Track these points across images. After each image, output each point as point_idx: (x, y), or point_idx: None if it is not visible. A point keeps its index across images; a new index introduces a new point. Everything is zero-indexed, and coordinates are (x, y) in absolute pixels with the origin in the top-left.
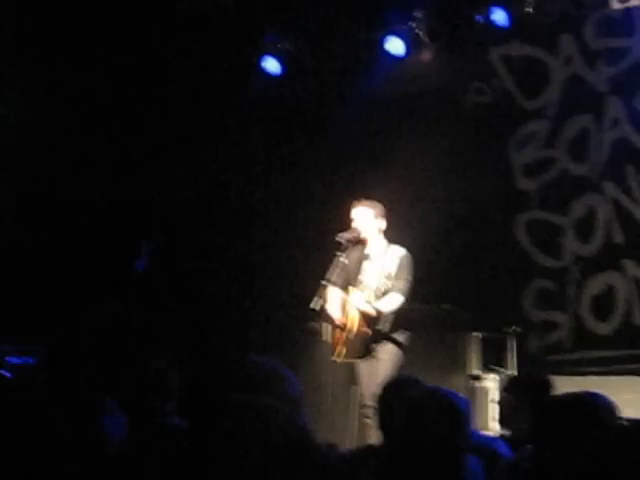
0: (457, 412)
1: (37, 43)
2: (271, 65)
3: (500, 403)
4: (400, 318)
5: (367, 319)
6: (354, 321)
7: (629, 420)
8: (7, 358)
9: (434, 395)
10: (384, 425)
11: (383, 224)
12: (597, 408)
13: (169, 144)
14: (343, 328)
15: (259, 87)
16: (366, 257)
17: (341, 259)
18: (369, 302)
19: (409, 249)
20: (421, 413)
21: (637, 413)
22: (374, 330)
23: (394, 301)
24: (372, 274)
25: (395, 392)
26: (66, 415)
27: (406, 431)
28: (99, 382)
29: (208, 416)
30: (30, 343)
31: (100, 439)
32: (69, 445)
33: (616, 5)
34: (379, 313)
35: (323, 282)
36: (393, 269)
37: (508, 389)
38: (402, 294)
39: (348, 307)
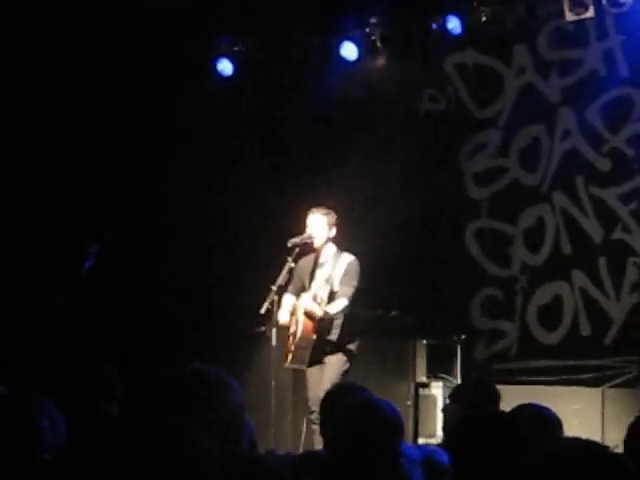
0: (386, 421)
1: None
2: (225, 67)
3: (444, 411)
4: (348, 326)
5: (313, 322)
6: (304, 327)
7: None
8: None
9: (367, 403)
10: (325, 430)
11: (333, 232)
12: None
13: (123, 145)
14: (294, 335)
15: (213, 89)
16: (319, 265)
17: (291, 265)
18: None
19: (358, 255)
20: (355, 421)
21: (583, 424)
22: (324, 339)
23: (339, 304)
24: (322, 281)
25: (335, 399)
26: (6, 417)
27: (342, 438)
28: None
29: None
30: None
31: (35, 441)
32: (6, 447)
33: (570, 17)
34: (325, 315)
35: (272, 287)
36: (340, 275)
37: (453, 397)
38: (347, 299)
39: (299, 313)
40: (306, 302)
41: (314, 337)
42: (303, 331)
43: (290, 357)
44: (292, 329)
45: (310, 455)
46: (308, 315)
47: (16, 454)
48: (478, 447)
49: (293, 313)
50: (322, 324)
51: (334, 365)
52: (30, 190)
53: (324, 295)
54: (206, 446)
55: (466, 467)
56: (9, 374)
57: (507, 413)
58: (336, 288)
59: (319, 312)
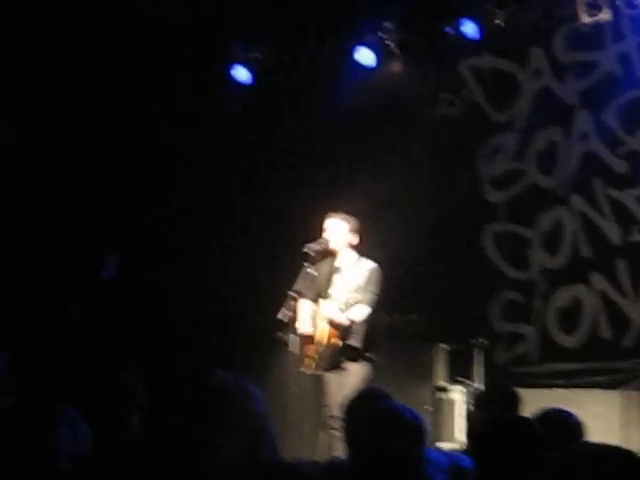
0: (409, 428)
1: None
2: (241, 74)
3: (469, 419)
4: (369, 332)
5: (337, 330)
6: (324, 333)
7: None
8: None
9: (390, 411)
10: (349, 438)
11: (355, 239)
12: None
13: (139, 155)
14: (313, 341)
15: (229, 96)
16: (336, 270)
17: (308, 270)
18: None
19: (377, 260)
20: (378, 429)
21: (603, 426)
22: (345, 345)
23: (362, 312)
24: (341, 287)
25: (360, 405)
26: (22, 424)
27: (368, 444)
28: (59, 391)
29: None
30: None
31: (51, 450)
32: (21, 455)
33: (586, 19)
34: (351, 322)
35: (290, 293)
36: (361, 282)
37: (477, 405)
38: (369, 305)
39: (318, 319)
40: (330, 311)
41: (336, 344)
42: (326, 338)
43: (309, 363)
44: (312, 335)
45: (335, 463)
46: (331, 323)
47: (31, 463)
48: (501, 451)
49: (313, 319)
50: (346, 331)
51: (356, 372)
52: (50, 200)
53: (347, 302)
54: (236, 456)
55: (490, 471)
56: (29, 383)
57: (529, 417)
58: (358, 295)
59: (344, 321)
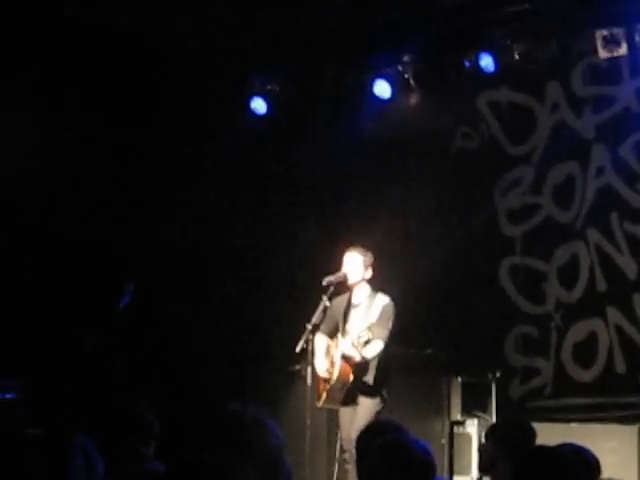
0: (416, 463)
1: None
2: (259, 105)
3: (480, 451)
4: (382, 367)
5: (351, 366)
6: (337, 369)
7: None
8: None
9: (396, 444)
10: (360, 471)
11: (369, 274)
12: (577, 464)
13: (156, 185)
14: (327, 376)
15: (246, 127)
16: (353, 306)
17: (326, 303)
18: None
19: (392, 293)
20: (384, 461)
21: (618, 461)
22: (359, 381)
23: (375, 347)
24: (357, 323)
25: (369, 440)
26: (37, 454)
27: (377, 477)
28: (74, 421)
29: (182, 473)
30: (11, 378)
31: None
32: None
33: (603, 54)
34: (363, 359)
35: (308, 325)
36: (375, 318)
37: (489, 436)
38: (382, 341)
39: (334, 354)
40: (345, 347)
41: (350, 379)
42: (340, 373)
43: (324, 397)
44: (327, 372)
45: None
46: (345, 358)
47: None
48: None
49: (327, 353)
50: (358, 366)
51: (368, 406)
52: (65, 229)
53: (362, 339)
54: None
55: None
56: (45, 413)
57: (559, 450)
58: (371, 332)
59: (358, 357)
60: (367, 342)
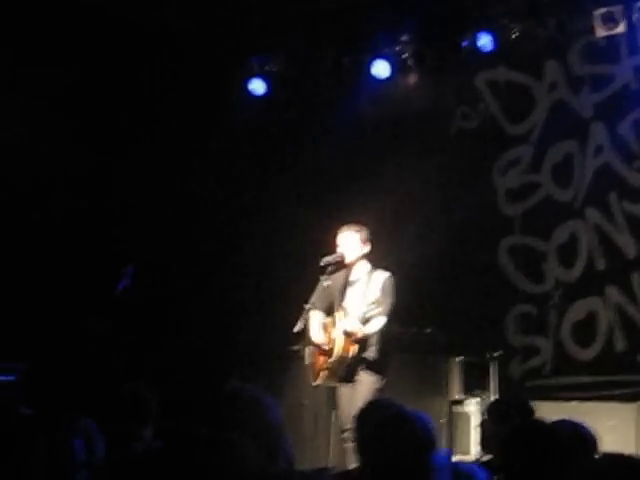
0: (418, 437)
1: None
2: (257, 86)
3: (481, 427)
4: (383, 343)
5: (354, 343)
6: (339, 345)
7: (605, 454)
8: None
9: (396, 418)
10: (359, 448)
11: (367, 249)
12: (569, 439)
13: (155, 167)
14: (325, 352)
15: (245, 108)
16: (350, 283)
17: (324, 283)
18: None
19: (392, 272)
20: (382, 438)
21: (618, 440)
22: (360, 357)
23: (377, 322)
24: (356, 301)
25: (369, 415)
26: (38, 435)
27: (375, 453)
28: (75, 403)
29: (179, 449)
30: (11, 361)
31: (65, 461)
32: (36, 466)
33: (601, 32)
34: (365, 336)
35: (306, 306)
36: (376, 294)
37: (489, 413)
38: (385, 315)
39: (332, 331)
40: (348, 323)
41: (350, 355)
42: (341, 350)
43: (323, 375)
44: (325, 345)
45: (345, 475)
46: (347, 334)
47: (46, 474)
48: (528, 457)
49: (323, 328)
50: (359, 342)
51: (367, 383)
52: (64, 213)
53: (371, 313)
54: (258, 463)
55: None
56: (46, 395)
57: (551, 424)
58: (368, 309)
59: (360, 333)
60: (368, 319)
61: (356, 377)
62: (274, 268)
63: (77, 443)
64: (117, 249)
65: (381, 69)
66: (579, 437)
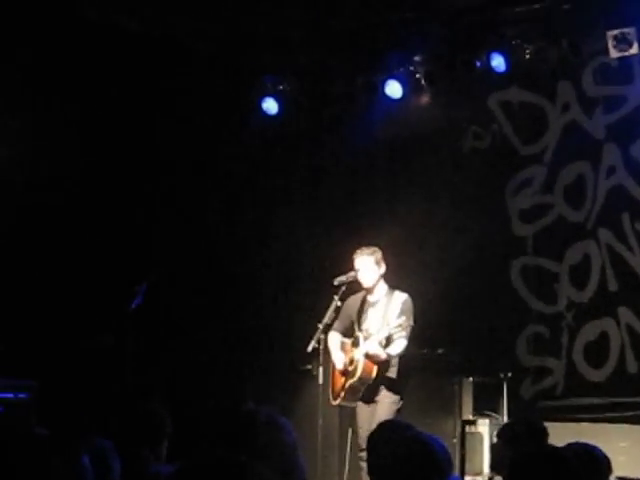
0: (437, 459)
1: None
2: (270, 106)
3: (492, 450)
4: (403, 363)
5: (376, 365)
6: (360, 366)
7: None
8: None
9: (414, 442)
10: (372, 470)
11: (383, 269)
12: (579, 465)
13: (168, 184)
14: (346, 373)
15: (259, 127)
16: (369, 304)
17: (338, 303)
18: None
19: (405, 292)
20: (401, 460)
21: (630, 461)
22: (382, 376)
23: (399, 345)
24: (376, 322)
25: (382, 438)
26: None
27: (392, 475)
28: (88, 422)
29: (194, 472)
30: (23, 378)
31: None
32: None
33: (614, 54)
34: (388, 357)
35: (320, 325)
36: (396, 317)
37: (501, 437)
38: (406, 339)
39: (354, 353)
40: (371, 346)
41: (373, 377)
42: (363, 371)
43: (343, 395)
44: (345, 367)
45: None
46: (369, 357)
47: None
48: None
49: (342, 349)
50: (382, 363)
51: (387, 404)
52: (78, 230)
53: (383, 336)
54: None
55: None
56: (59, 414)
57: (562, 449)
58: (394, 331)
59: (383, 356)
60: (388, 339)
61: (376, 397)
62: (288, 287)
63: (84, 461)
64: (131, 265)
65: (394, 89)
66: (592, 460)
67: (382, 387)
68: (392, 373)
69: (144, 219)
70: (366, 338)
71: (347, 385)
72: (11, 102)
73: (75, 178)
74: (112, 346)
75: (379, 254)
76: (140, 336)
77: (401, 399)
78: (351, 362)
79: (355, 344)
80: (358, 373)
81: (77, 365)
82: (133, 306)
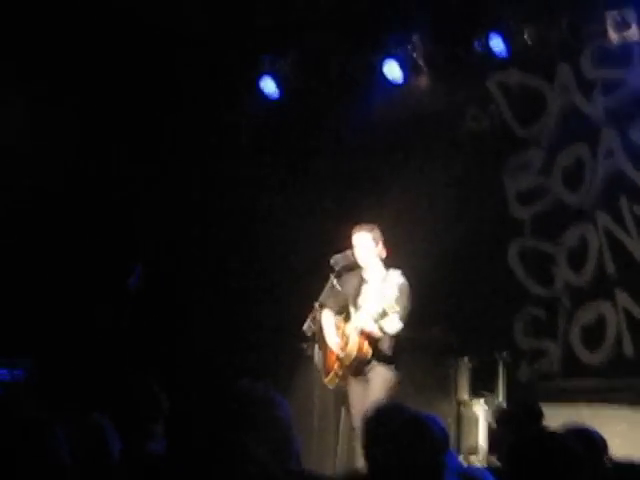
0: (435, 439)
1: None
2: (268, 86)
3: (489, 432)
4: (396, 342)
5: (369, 341)
6: (354, 345)
7: (614, 462)
8: None
9: (413, 423)
10: (367, 451)
11: (380, 248)
12: (576, 450)
13: (166, 163)
14: (339, 351)
15: (256, 108)
16: (365, 282)
17: (334, 283)
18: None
19: (403, 273)
20: (401, 441)
21: (626, 443)
22: (377, 351)
23: (394, 325)
24: (371, 299)
25: (379, 420)
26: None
27: (387, 458)
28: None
29: (189, 449)
30: (19, 356)
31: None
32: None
33: (613, 37)
34: (383, 335)
35: (316, 304)
36: (393, 295)
37: (498, 420)
38: (401, 320)
39: (347, 331)
40: (365, 323)
41: (368, 355)
42: (355, 347)
43: (334, 373)
44: (340, 347)
45: (352, 475)
46: (363, 334)
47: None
48: (536, 467)
49: (337, 329)
50: (374, 342)
51: (380, 381)
52: (77, 207)
53: (378, 313)
54: (269, 465)
55: None
56: (55, 392)
57: (559, 432)
58: (388, 307)
59: (379, 333)
60: (383, 317)
61: (368, 371)
62: (285, 267)
63: (55, 444)
64: (128, 243)
65: (392, 70)
66: (588, 442)
67: (375, 363)
68: (386, 350)
69: (140, 202)
70: (358, 313)
71: (339, 363)
72: (7, 91)
73: (75, 161)
74: (110, 325)
75: (377, 232)
76: (137, 315)
77: (395, 376)
78: (343, 337)
79: (347, 319)
80: (349, 349)
81: (75, 344)
82: (131, 285)
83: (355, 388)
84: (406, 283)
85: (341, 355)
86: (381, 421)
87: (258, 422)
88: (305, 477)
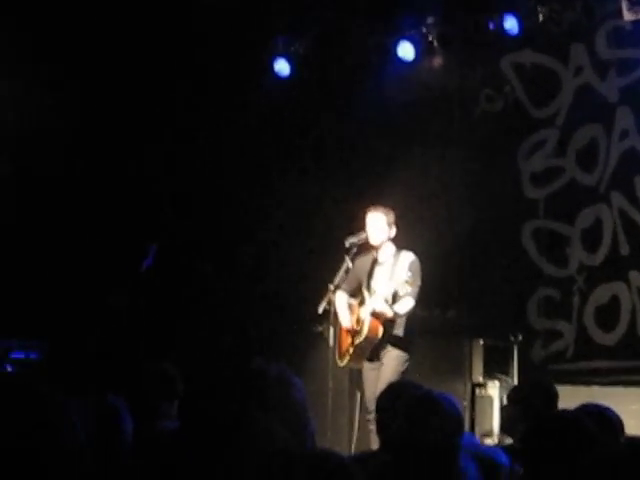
0: (449, 416)
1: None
2: (282, 67)
3: (502, 412)
4: (410, 323)
5: (381, 322)
6: (365, 326)
7: (630, 439)
8: (10, 353)
9: (427, 399)
10: (382, 430)
11: (394, 231)
12: (589, 428)
13: (181, 145)
14: (353, 333)
15: (269, 88)
16: (377, 263)
17: (349, 264)
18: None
19: (417, 254)
20: (415, 418)
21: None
22: (389, 334)
23: (407, 304)
24: (383, 280)
25: (392, 398)
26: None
27: (401, 436)
28: (101, 380)
29: (204, 428)
30: (34, 338)
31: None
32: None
33: (628, 16)
34: (395, 315)
35: (330, 286)
36: (404, 275)
37: (511, 399)
38: (413, 298)
39: (360, 312)
40: (377, 303)
41: (379, 336)
42: (369, 331)
43: (349, 355)
44: (352, 327)
45: (366, 454)
46: (375, 315)
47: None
48: (552, 447)
49: (352, 311)
50: (388, 321)
51: (394, 364)
52: (90, 191)
53: (389, 294)
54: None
55: (538, 467)
56: (71, 372)
57: (575, 411)
58: (400, 288)
59: (390, 313)
60: (395, 298)
61: (383, 355)
62: (300, 249)
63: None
64: (142, 227)
65: (406, 51)
66: (604, 421)
67: (388, 345)
68: (399, 331)
69: (154, 181)
70: (372, 296)
71: (354, 344)
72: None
73: (89, 141)
74: (125, 306)
75: (392, 215)
76: (153, 297)
77: (408, 359)
78: (358, 321)
79: (362, 303)
80: (364, 332)
81: (90, 325)
82: (144, 267)
83: (370, 373)
84: (417, 261)
85: (355, 337)
86: (396, 396)
87: (273, 401)
88: (322, 457)
